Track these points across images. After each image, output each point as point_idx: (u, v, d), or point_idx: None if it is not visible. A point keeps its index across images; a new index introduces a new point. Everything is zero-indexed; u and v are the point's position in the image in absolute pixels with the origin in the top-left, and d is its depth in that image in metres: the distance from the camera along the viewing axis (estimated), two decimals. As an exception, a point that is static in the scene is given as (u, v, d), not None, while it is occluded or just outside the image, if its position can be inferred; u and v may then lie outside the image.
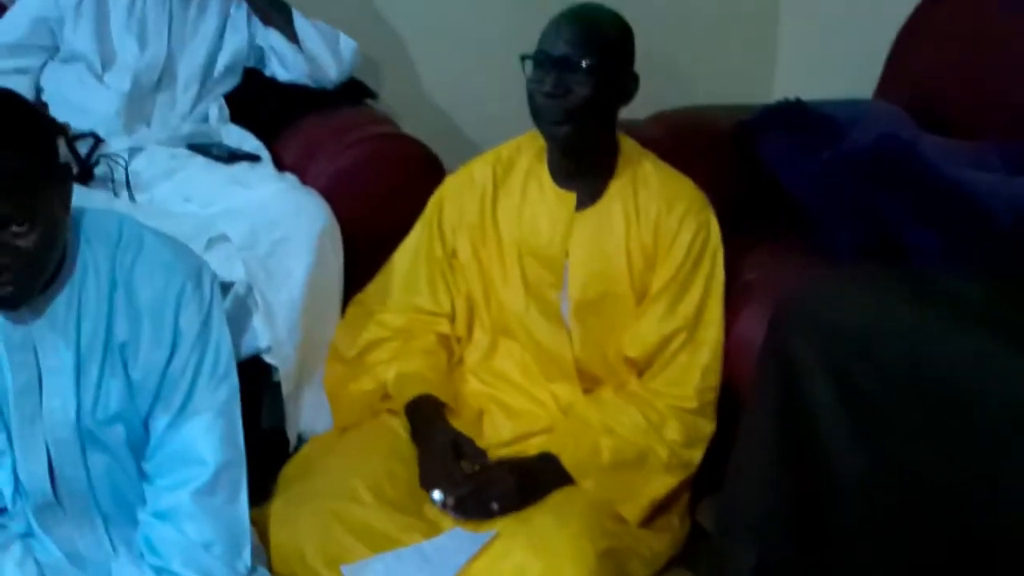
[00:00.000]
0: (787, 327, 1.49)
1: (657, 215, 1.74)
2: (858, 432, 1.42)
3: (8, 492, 1.43)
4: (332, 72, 2.17)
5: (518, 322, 1.80)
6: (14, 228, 1.25)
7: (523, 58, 1.66)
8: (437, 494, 1.59)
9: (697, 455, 1.73)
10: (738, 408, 1.66)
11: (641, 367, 1.77)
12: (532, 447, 1.72)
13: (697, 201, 1.76)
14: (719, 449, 1.70)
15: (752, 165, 2.02)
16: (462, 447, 1.67)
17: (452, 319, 1.85)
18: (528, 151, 1.81)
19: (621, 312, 1.76)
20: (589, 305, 1.76)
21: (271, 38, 2.16)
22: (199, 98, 2.11)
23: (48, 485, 1.43)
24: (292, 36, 2.14)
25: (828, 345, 1.43)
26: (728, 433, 1.68)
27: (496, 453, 1.71)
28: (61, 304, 1.39)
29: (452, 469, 1.62)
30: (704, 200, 1.77)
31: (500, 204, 1.80)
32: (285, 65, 2.16)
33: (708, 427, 1.74)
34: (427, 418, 1.71)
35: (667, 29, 2.62)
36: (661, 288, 1.74)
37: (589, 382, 1.80)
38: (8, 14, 2.07)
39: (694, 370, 1.73)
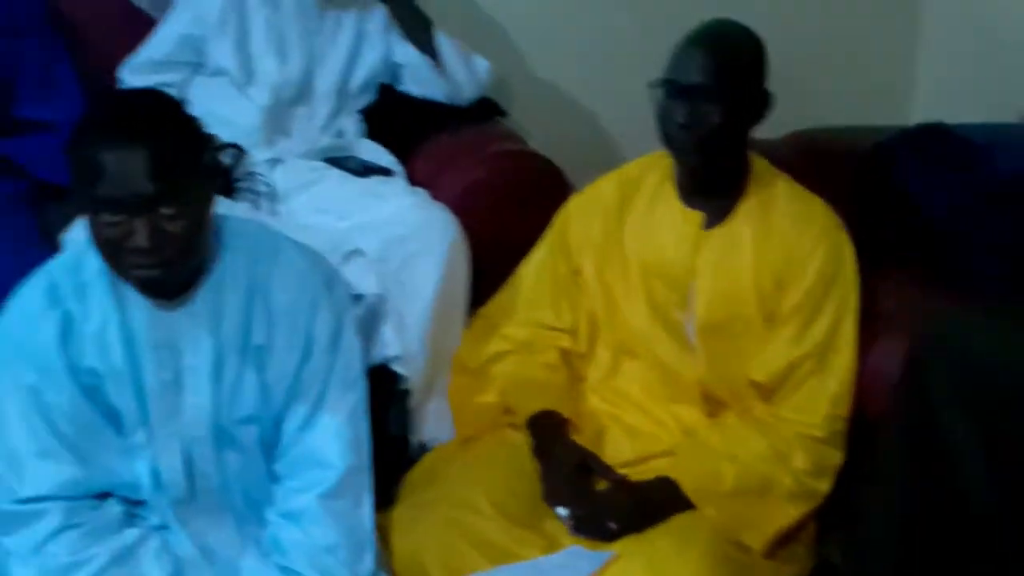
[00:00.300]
0: (925, 362, 1.44)
1: (788, 236, 1.70)
2: (999, 475, 1.36)
3: (147, 485, 1.48)
4: (466, 90, 2.21)
5: (642, 342, 1.78)
6: (163, 210, 1.29)
7: (652, 86, 1.64)
8: (563, 510, 1.59)
9: (824, 486, 1.67)
10: (869, 439, 1.61)
11: (767, 392, 1.73)
12: (653, 469, 1.69)
13: (830, 223, 1.72)
14: (848, 480, 1.65)
15: (888, 189, 1.96)
16: (590, 464, 1.66)
17: (574, 335, 1.84)
18: (655, 170, 1.79)
19: (748, 335, 1.73)
20: (715, 327, 1.73)
21: (408, 55, 2.21)
22: (336, 112, 2.17)
23: (184, 479, 1.48)
24: (432, 52, 2.18)
25: (970, 382, 1.38)
26: (858, 464, 1.63)
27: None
28: (202, 306, 1.44)
29: (580, 486, 1.61)
30: (838, 222, 1.72)
31: (626, 223, 1.79)
32: (420, 82, 2.21)
33: (836, 457, 1.68)
34: (551, 434, 1.71)
35: (803, 47, 2.59)
36: (791, 311, 1.70)
37: (713, 405, 1.77)
38: (156, 32, 2.17)
39: (823, 397, 1.68)
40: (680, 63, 1.63)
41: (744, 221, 1.72)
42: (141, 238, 1.28)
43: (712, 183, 1.71)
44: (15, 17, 2.09)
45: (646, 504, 1.61)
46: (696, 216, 1.72)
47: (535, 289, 1.85)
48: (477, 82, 2.22)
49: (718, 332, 1.73)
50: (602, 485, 1.65)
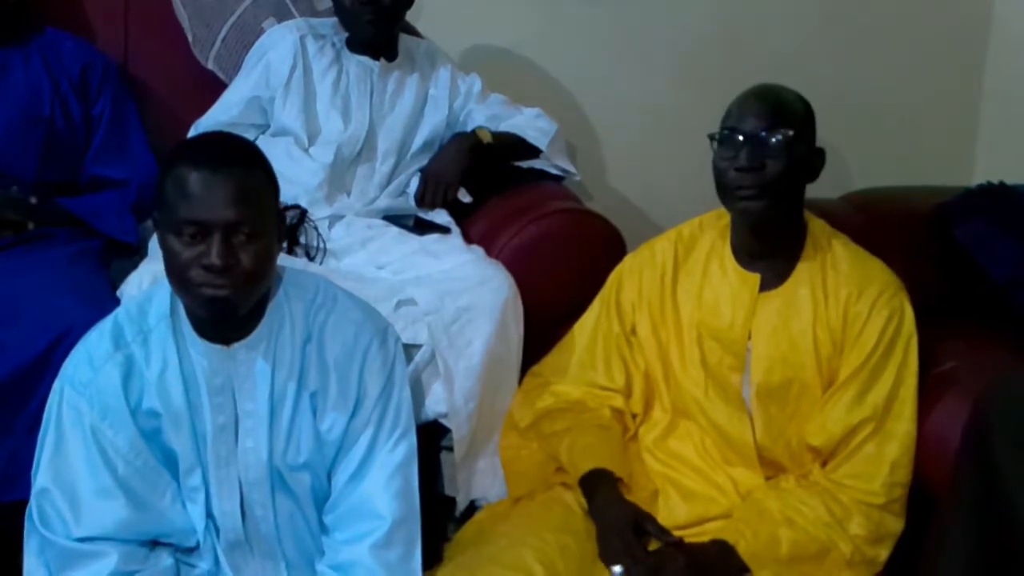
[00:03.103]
0: (990, 428, 1.40)
1: (847, 299, 1.68)
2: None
3: (200, 528, 1.51)
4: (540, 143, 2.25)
5: (696, 404, 1.76)
6: (240, 235, 1.37)
7: (711, 136, 1.66)
8: (618, 569, 1.56)
9: (883, 553, 1.63)
10: (930, 507, 1.57)
11: (825, 456, 1.70)
12: (708, 532, 1.66)
13: (890, 285, 1.69)
14: (908, 549, 1.60)
15: (949, 249, 1.94)
16: (643, 523, 1.63)
17: (628, 395, 1.83)
18: (711, 230, 1.79)
19: (806, 399, 1.70)
20: (772, 391, 1.71)
21: (478, 117, 2.25)
22: (396, 170, 2.21)
23: (240, 523, 1.51)
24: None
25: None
26: (918, 532, 1.59)
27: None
28: (260, 351, 1.48)
29: (633, 545, 1.59)
30: (898, 284, 1.70)
31: (680, 283, 1.79)
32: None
33: (896, 525, 1.64)
34: (605, 493, 1.69)
35: (862, 107, 2.59)
36: (849, 376, 1.68)
37: (771, 469, 1.74)
38: (225, 95, 2.24)
39: (882, 463, 1.65)
40: (739, 113, 1.65)
41: (802, 283, 1.70)
42: (215, 256, 1.35)
43: (769, 242, 1.70)
44: (89, 79, 2.17)
45: (702, 566, 1.57)
46: (753, 278, 1.72)
47: (588, 349, 1.85)
48: (544, 144, 2.25)
49: (775, 396, 1.71)
50: (654, 546, 1.62)
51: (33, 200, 1.98)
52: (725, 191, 1.65)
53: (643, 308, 1.80)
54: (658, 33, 2.68)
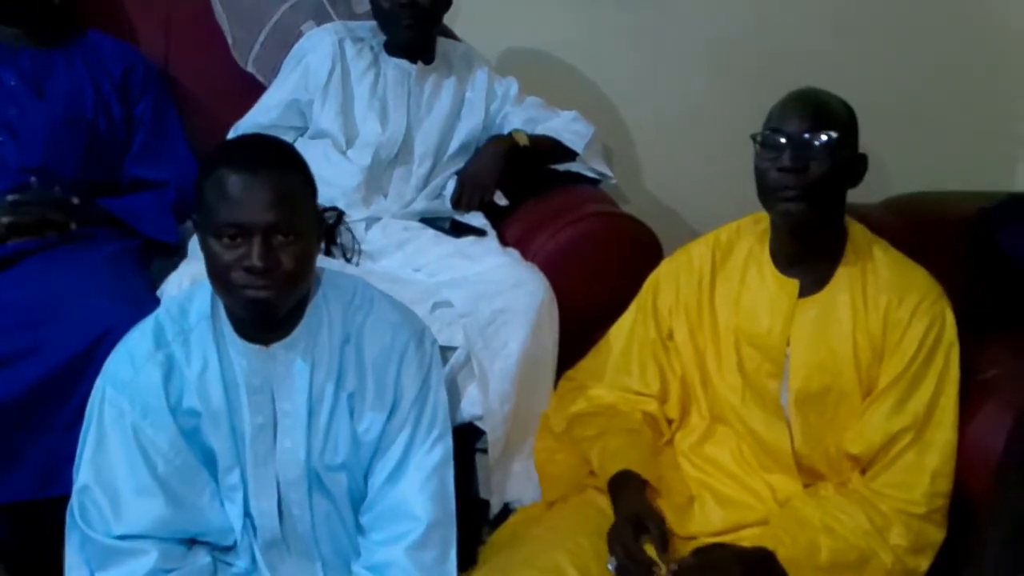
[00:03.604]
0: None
1: (887, 306, 1.66)
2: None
3: (237, 527, 1.52)
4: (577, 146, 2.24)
5: (733, 411, 1.75)
6: (280, 237, 1.38)
7: (754, 137, 1.65)
8: (611, 562, 1.57)
9: (924, 563, 1.61)
10: (971, 516, 1.55)
11: (864, 465, 1.68)
12: (745, 539, 1.65)
13: (931, 292, 1.67)
14: (949, 558, 1.58)
15: (992, 255, 1.91)
16: (645, 521, 1.62)
17: (663, 400, 1.82)
18: (749, 235, 1.78)
19: (845, 406, 1.69)
20: (811, 397, 1.69)
21: (515, 120, 2.25)
22: (433, 173, 2.22)
23: (277, 523, 1.52)
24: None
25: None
26: (959, 542, 1.56)
27: (706, 542, 1.65)
28: (298, 351, 1.49)
29: (626, 537, 1.59)
30: (939, 291, 1.68)
31: (718, 288, 1.78)
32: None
33: (937, 534, 1.62)
34: (628, 494, 1.68)
35: (902, 111, 2.57)
36: (889, 383, 1.66)
37: (809, 476, 1.72)
38: (264, 98, 2.26)
39: (923, 473, 1.63)
40: (782, 114, 1.64)
41: (841, 289, 1.69)
42: (256, 257, 1.36)
43: (808, 247, 1.69)
44: (131, 81, 2.20)
45: (753, 571, 1.56)
46: (791, 284, 1.70)
47: (623, 353, 1.84)
48: (580, 147, 2.25)
49: (813, 402, 1.70)
50: (648, 545, 1.60)
51: (75, 200, 2.00)
52: (766, 193, 1.64)
53: (680, 313, 1.79)
54: (694, 35, 2.67)
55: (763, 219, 1.74)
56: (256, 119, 2.22)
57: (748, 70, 2.64)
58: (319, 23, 2.35)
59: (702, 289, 1.78)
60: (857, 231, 1.73)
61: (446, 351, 1.84)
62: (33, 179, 2.00)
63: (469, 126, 2.25)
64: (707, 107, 2.67)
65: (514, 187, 2.20)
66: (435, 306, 1.88)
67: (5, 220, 1.92)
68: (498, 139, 2.23)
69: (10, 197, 1.96)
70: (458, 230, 2.16)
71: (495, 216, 2.19)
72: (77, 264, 1.87)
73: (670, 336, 1.81)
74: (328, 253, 2.01)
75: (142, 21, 2.35)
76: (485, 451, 1.90)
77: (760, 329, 1.72)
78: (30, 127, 2.07)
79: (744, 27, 2.68)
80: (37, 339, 1.73)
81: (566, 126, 2.27)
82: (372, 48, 2.23)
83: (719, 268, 1.78)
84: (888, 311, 1.66)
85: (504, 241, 2.13)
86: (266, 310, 1.42)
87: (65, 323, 1.75)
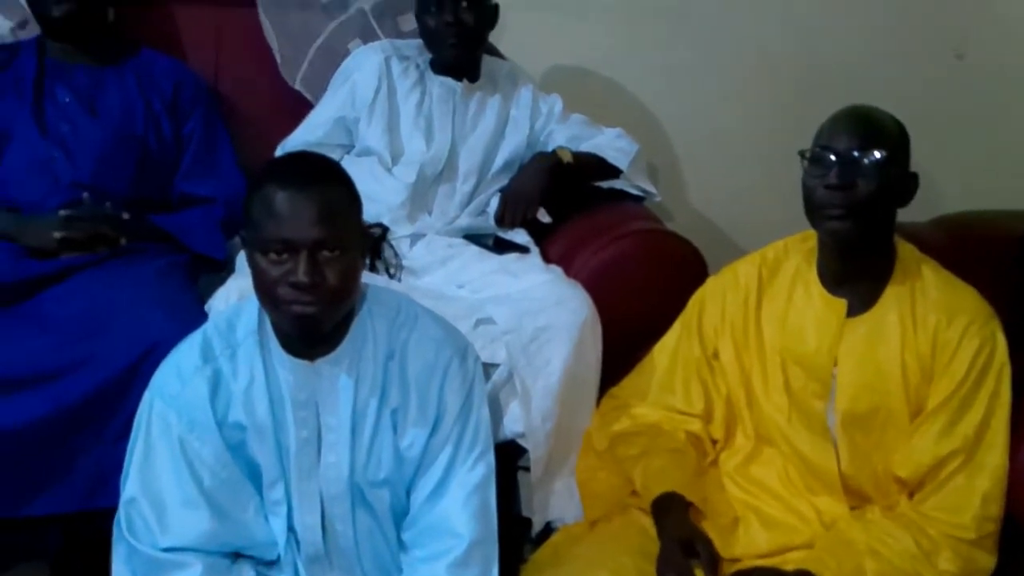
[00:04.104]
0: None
1: (936, 326, 1.64)
2: None
3: (281, 542, 1.53)
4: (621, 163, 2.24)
5: (779, 431, 1.73)
6: (326, 252, 1.39)
7: (802, 154, 1.63)
8: None
9: (973, 590, 1.58)
10: (1022, 542, 1.51)
11: (912, 488, 1.65)
12: (790, 562, 1.63)
13: (981, 313, 1.64)
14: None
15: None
16: (695, 543, 1.61)
17: (707, 420, 1.81)
18: (796, 253, 1.76)
19: (893, 428, 1.66)
20: (858, 418, 1.67)
21: (559, 138, 2.26)
22: (477, 190, 2.23)
23: (320, 538, 1.53)
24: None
25: None
26: (1009, 569, 1.54)
27: (751, 564, 1.64)
28: (343, 367, 1.50)
29: (677, 561, 1.57)
30: (989, 312, 1.65)
31: (764, 307, 1.76)
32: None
33: (987, 560, 1.59)
34: (672, 516, 1.66)
35: (952, 128, 2.54)
36: (938, 405, 1.63)
37: (856, 499, 1.70)
38: (311, 115, 2.29)
39: (973, 496, 1.60)
40: (831, 131, 1.62)
41: (890, 309, 1.66)
42: (302, 273, 1.37)
43: (856, 266, 1.67)
44: (181, 98, 2.24)
45: None
46: (839, 303, 1.68)
47: (667, 372, 1.83)
48: (625, 164, 2.25)
49: (861, 424, 1.67)
50: (698, 569, 1.59)
51: (126, 216, 2.03)
52: (813, 210, 1.62)
53: (726, 332, 1.78)
54: (741, 51, 2.67)
55: (811, 237, 1.72)
56: (303, 136, 2.25)
57: (796, 86, 2.63)
58: (366, 41, 2.38)
59: (748, 308, 1.76)
60: (906, 250, 1.70)
61: (489, 368, 1.84)
62: (85, 195, 2.04)
63: (513, 143, 2.26)
64: (753, 124, 2.66)
65: (558, 204, 2.20)
66: (478, 323, 1.89)
67: (57, 235, 1.96)
68: (542, 156, 2.23)
69: (62, 212, 1.99)
70: (501, 247, 2.17)
71: (538, 233, 2.20)
72: (127, 279, 1.90)
73: (715, 355, 1.80)
74: (372, 269, 2.02)
75: (193, 39, 2.40)
76: (527, 469, 1.89)
77: (807, 349, 1.70)
78: (83, 144, 2.12)
79: (793, 42, 2.67)
80: (87, 352, 1.76)
81: (610, 143, 2.27)
82: (418, 66, 2.25)
83: (766, 287, 1.76)
84: (937, 332, 1.63)
85: (547, 258, 2.13)
86: (312, 325, 1.43)
87: (114, 336, 1.77)
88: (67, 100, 2.15)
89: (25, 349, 1.78)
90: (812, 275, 1.72)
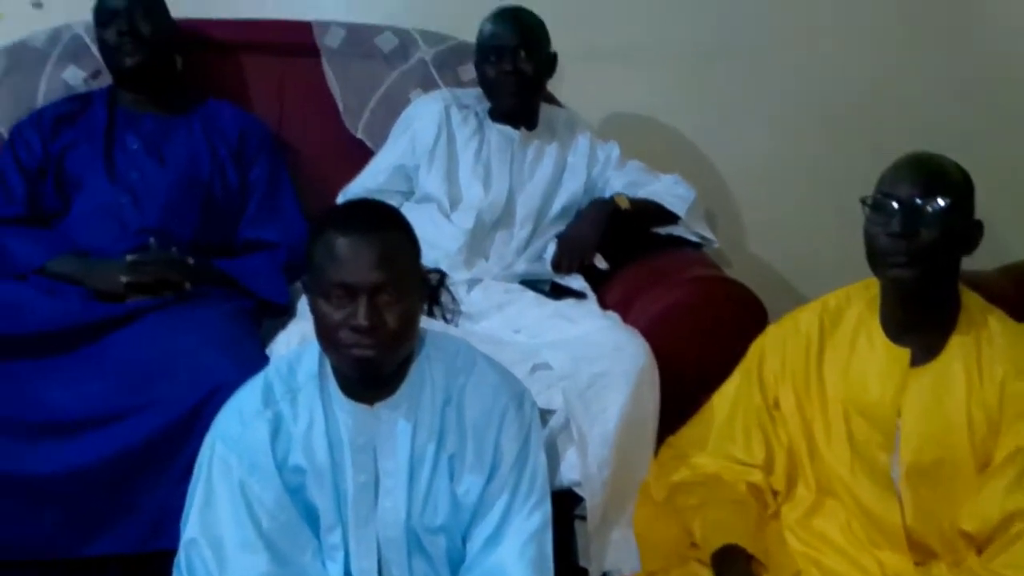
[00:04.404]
0: None
1: (1004, 377, 1.60)
2: None
3: (340, 586, 1.53)
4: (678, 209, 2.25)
5: (842, 483, 1.70)
6: (385, 296, 1.41)
7: (864, 201, 1.62)
8: None
9: (1043, 651, 1.52)
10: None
11: (980, 543, 1.60)
12: (852, 617, 1.60)
13: (1051, 363, 1.61)
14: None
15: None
16: None
17: (768, 471, 1.78)
18: (858, 301, 1.74)
19: (959, 480, 1.62)
20: (923, 471, 1.63)
21: (616, 184, 2.27)
22: (534, 236, 2.25)
23: (377, 582, 1.52)
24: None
25: None
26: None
27: (812, 618, 1.60)
28: (401, 411, 1.51)
29: None
30: (1059, 362, 1.61)
31: (826, 356, 1.74)
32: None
33: (1058, 620, 1.54)
34: (734, 570, 1.63)
35: (1018, 176, 2.49)
36: (1007, 458, 1.59)
37: (921, 554, 1.65)
38: (372, 162, 2.33)
39: (1045, 555, 1.55)
40: (893, 178, 1.60)
41: (955, 359, 1.63)
42: (362, 317, 1.40)
43: (920, 315, 1.64)
44: (246, 146, 2.29)
45: None
46: (903, 353, 1.65)
47: (727, 421, 1.81)
48: (682, 211, 2.25)
49: (926, 476, 1.64)
50: None
51: (191, 261, 2.07)
52: (875, 258, 1.60)
53: (787, 381, 1.76)
54: (798, 97, 2.66)
55: (873, 285, 1.70)
56: (364, 183, 2.28)
57: (857, 133, 2.61)
58: (427, 91, 2.42)
59: (810, 356, 1.74)
60: (971, 299, 1.67)
61: (545, 414, 1.83)
62: (152, 240, 2.08)
63: (570, 190, 2.27)
64: (814, 169, 2.65)
65: (615, 250, 2.21)
66: (535, 368, 1.89)
67: (124, 279, 2.00)
68: (599, 202, 2.24)
69: (129, 257, 2.04)
70: (558, 293, 2.17)
71: (595, 279, 2.20)
72: (191, 323, 1.94)
73: (776, 404, 1.77)
74: (430, 314, 2.04)
75: (258, 89, 2.45)
76: (584, 518, 1.88)
77: (870, 399, 1.67)
78: (150, 190, 2.17)
79: (854, 89, 2.66)
80: (152, 394, 1.80)
81: (668, 189, 2.27)
82: (477, 115, 2.28)
83: (828, 335, 1.74)
84: (1005, 382, 1.60)
85: (604, 304, 2.12)
86: (371, 368, 1.44)
87: (178, 379, 1.80)
88: (136, 148, 2.21)
89: (92, 391, 1.82)
90: (875, 324, 1.69)
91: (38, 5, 2.48)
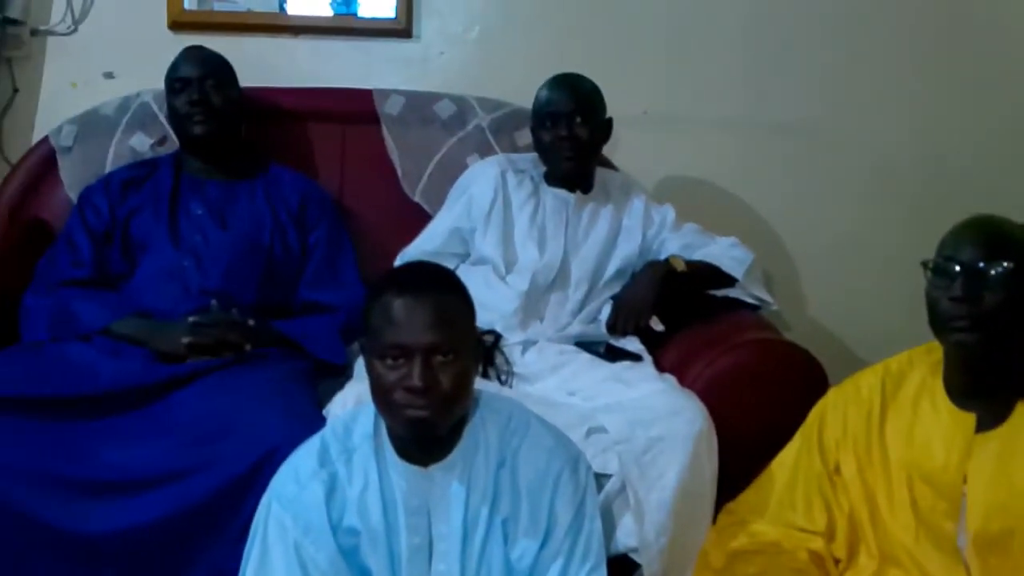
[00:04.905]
0: None
1: (1076, 444, 1.56)
2: None
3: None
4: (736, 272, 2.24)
5: (906, 552, 1.65)
6: (440, 357, 1.42)
7: (925, 264, 1.60)
8: None
9: None
10: None
11: (1056, 618, 1.55)
12: None
13: None
14: None
15: None
16: None
17: (830, 538, 1.74)
18: (921, 365, 1.71)
19: (1031, 550, 1.57)
20: (991, 541, 1.58)
21: (672, 246, 2.27)
22: (589, 298, 2.25)
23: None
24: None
25: None
26: None
27: None
28: (455, 474, 1.51)
29: None
30: None
31: (888, 421, 1.70)
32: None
33: None
34: None
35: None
36: (1081, 529, 1.54)
37: (992, 627, 1.60)
38: (430, 226, 2.36)
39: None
40: (955, 241, 1.58)
41: (1023, 425, 1.58)
42: (416, 378, 1.41)
43: (985, 381, 1.61)
44: (307, 210, 2.34)
45: None
46: (967, 417, 1.62)
47: (787, 487, 1.78)
48: (741, 274, 2.24)
49: (995, 547, 1.59)
50: None
51: (252, 323, 2.10)
52: (938, 322, 1.58)
53: (848, 446, 1.72)
54: (855, 160, 2.65)
55: (936, 349, 1.67)
56: (422, 246, 2.31)
57: (917, 196, 2.59)
58: (483, 156, 2.46)
59: (871, 421, 1.71)
60: (1039, 363, 1.64)
61: (600, 478, 1.81)
62: (213, 302, 2.12)
63: (625, 252, 2.28)
64: (872, 230, 2.63)
65: (671, 312, 2.19)
66: (590, 431, 1.88)
67: (186, 340, 2.04)
68: (655, 264, 2.24)
69: (191, 319, 2.07)
70: (613, 355, 2.16)
71: (651, 342, 2.18)
72: (250, 383, 1.96)
73: (837, 470, 1.74)
74: (484, 375, 2.04)
75: (320, 154, 2.52)
76: (642, 584, 1.84)
77: (934, 465, 1.63)
78: (212, 253, 2.22)
79: (909, 151, 2.64)
80: (210, 454, 1.81)
81: (725, 252, 2.26)
82: (532, 179, 2.31)
83: (890, 400, 1.71)
84: (1077, 450, 1.55)
85: (661, 367, 2.11)
86: (425, 429, 1.45)
87: (236, 439, 1.82)
88: (200, 212, 2.27)
89: (151, 451, 1.84)
90: (938, 388, 1.66)
91: (109, 75, 2.58)
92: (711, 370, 2.01)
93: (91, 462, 1.82)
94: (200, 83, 2.26)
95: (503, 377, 2.06)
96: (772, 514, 1.77)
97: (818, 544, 1.73)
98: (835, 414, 1.76)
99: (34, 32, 2.55)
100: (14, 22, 2.51)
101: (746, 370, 2.00)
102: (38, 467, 1.78)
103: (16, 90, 2.57)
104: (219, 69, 2.31)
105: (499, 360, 2.08)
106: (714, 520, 1.87)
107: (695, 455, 1.85)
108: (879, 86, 2.66)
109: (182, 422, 1.88)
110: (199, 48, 2.35)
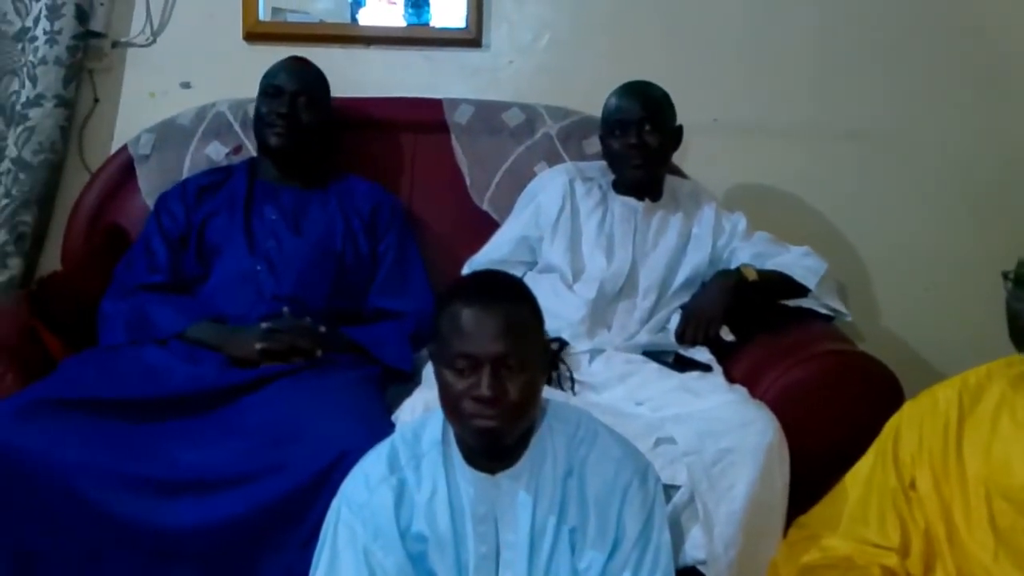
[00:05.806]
0: None
1: None
2: None
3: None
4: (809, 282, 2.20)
5: (984, 570, 1.61)
6: (508, 367, 1.43)
7: (1006, 275, 1.56)
8: None
9: None
10: None
11: None
12: None
13: None
14: None
15: None
16: None
17: (904, 555, 1.70)
18: (1000, 379, 1.67)
19: (1115, 572, 1.52)
20: (1076, 562, 1.54)
21: (743, 255, 2.25)
22: (657, 307, 2.23)
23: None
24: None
25: None
26: None
27: None
28: (522, 482, 1.51)
29: None
30: None
31: (966, 436, 1.67)
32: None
33: None
34: None
35: None
36: None
37: (1076, 650, 1.55)
38: (497, 234, 2.37)
39: None
40: None
41: (1107, 441, 1.54)
42: (485, 388, 1.41)
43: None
44: (378, 218, 2.36)
45: None
46: (1050, 432, 1.57)
47: (860, 502, 1.75)
48: (813, 283, 2.20)
49: (1077, 567, 1.54)
50: None
51: (322, 329, 2.12)
52: (1020, 335, 1.54)
53: (924, 461, 1.69)
54: (927, 167, 2.61)
55: (1017, 362, 1.63)
56: (489, 254, 2.32)
57: (991, 203, 2.53)
58: (551, 164, 2.47)
59: (948, 436, 1.67)
60: None
61: (669, 490, 1.80)
62: (285, 308, 2.15)
63: (695, 261, 2.26)
64: (949, 242, 2.57)
65: (742, 322, 2.17)
66: (658, 442, 1.86)
67: (259, 346, 2.07)
68: (725, 273, 2.21)
69: (264, 325, 2.10)
70: (682, 364, 2.14)
71: (721, 352, 2.16)
72: (320, 389, 1.98)
73: (912, 485, 1.70)
74: (549, 383, 2.04)
75: (390, 164, 2.54)
76: (710, 596, 1.82)
77: (1014, 482, 1.59)
78: (286, 259, 2.25)
79: (988, 158, 2.58)
80: (281, 458, 1.83)
81: (797, 261, 2.23)
82: (600, 187, 2.30)
83: (967, 414, 1.67)
84: None
85: (731, 378, 2.08)
86: (493, 439, 1.45)
87: (306, 444, 1.84)
88: (274, 218, 2.31)
89: (224, 452, 1.87)
90: (1019, 402, 1.62)
91: (187, 85, 2.64)
92: (783, 381, 1.98)
93: (164, 462, 1.85)
94: (293, 97, 2.30)
95: (565, 385, 2.05)
96: (845, 529, 1.74)
97: (892, 560, 1.70)
98: (911, 428, 1.72)
99: (115, 44, 2.62)
100: (96, 34, 2.58)
101: (819, 382, 1.97)
102: (113, 466, 1.82)
103: (97, 100, 2.64)
104: (314, 87, 2.34)
105: (561, 368, 2.08)
106: (785, 534, 1.84)
107: (766, 467, 1.83)
108: (949, 92, 2.60)
109: (253, 426, 1.91)
110: (302, 61, 2.39)
